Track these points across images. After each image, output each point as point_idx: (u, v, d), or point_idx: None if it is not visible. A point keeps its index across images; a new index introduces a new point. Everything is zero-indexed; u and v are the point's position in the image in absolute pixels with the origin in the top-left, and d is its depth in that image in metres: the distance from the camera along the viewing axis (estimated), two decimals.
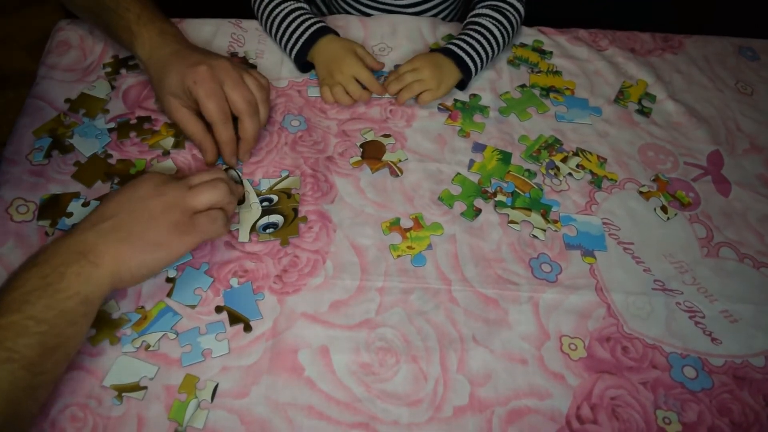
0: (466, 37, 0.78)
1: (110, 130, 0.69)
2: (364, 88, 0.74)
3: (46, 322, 0.46)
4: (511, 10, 0.80)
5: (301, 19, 0.77)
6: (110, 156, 0.67)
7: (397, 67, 0.79)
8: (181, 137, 0.69)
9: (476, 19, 0.79)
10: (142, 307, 0.56)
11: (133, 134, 0.69)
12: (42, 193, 0.63)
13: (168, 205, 0.54)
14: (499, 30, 0.78)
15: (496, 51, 0.79)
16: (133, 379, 0.52)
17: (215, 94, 0.61)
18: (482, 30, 0.78)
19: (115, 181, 0.65)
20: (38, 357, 0.45)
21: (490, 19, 0.79)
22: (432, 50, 0.78)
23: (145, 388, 0.52)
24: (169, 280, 0.58)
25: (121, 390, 0.52)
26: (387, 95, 0.76)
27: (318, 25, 0.76)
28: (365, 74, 0.74)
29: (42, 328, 0.45)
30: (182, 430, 0.50)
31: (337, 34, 0.78)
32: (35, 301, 0.46)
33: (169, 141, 0.69)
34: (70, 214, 0.62)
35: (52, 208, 0.62)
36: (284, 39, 0.77)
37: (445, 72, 0.75)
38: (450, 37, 0.84)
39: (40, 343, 0.45)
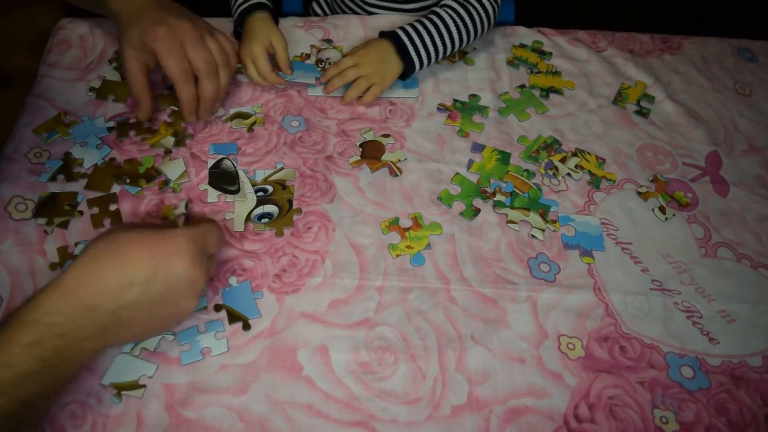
0: (418, 26, 0.75)
1: (110, 129, 0.69)
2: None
3: (33, 405, 0.43)
4: (478, 8, 0.77)
5: None
6: (113, 159, 0.66)
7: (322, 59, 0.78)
8: (181, 135, 0.69)
9: (437, 10, 0.77)
10: None
11: (132, 133, 0.69)
12: (40, 192, 0.63)
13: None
14: (457, 26, 0.76)
15: (449, 47, 0.76)
16: (132, 378, 0.53)
17: (174, 52, 0.61)
18: (438, 22, 0.76)
19: (126, 181, 0.65)
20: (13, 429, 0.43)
21: (451, 13, 0.76)
22: (381, 33, 0.77)
23: (144, 386, 0.52)
24: None
25: (121, 388, 0.52)
26: (318, 90, 0.75)
27: (258, 1, 0.76)
28: (262, 63, 0.72)
29: (27, 410, 0.43)
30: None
31: (275, 18, 0.76)
32: (26, 385, 0.42)
33: (169, 140, 0.69)
34: (69, 211, 0.62)
35: (50, 206, 0.62)
36: (232, 9, 0.78)
37: (387, 63, 0.74)
38: None
39: (20, 423, 0.43)
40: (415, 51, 0.74)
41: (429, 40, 0.75)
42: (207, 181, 0.66)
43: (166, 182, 0.65)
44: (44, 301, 0.45)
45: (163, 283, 0.47)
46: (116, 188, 0.64)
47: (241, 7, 0.76)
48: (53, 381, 0.45)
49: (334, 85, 0.74)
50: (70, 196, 0.63)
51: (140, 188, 0.64)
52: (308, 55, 0.80)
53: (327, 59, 0.80)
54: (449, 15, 0.76)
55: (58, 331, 0.44)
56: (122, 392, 0.52)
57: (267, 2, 0.77)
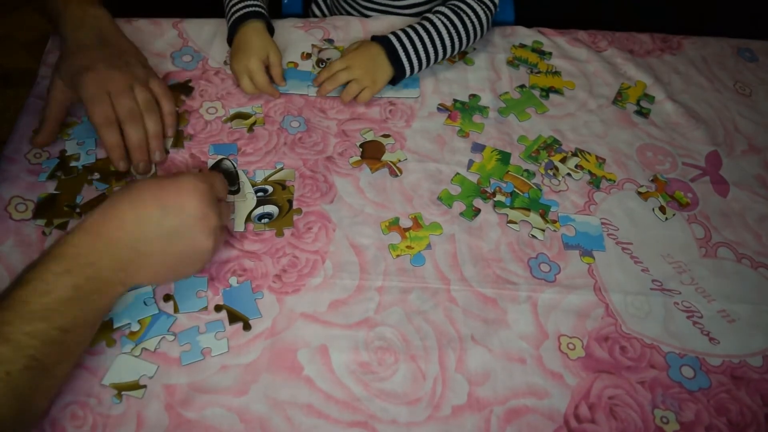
0: (410, 32, 0.75)
1: None
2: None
3: (71, 331, 0.47)
4: (471, 15, 0.77)
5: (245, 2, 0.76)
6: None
7: (321, 61, 0.78)
8: (179, 137, 0.69)
9: (430, 16, 0.77)
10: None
11: None
12: (40, 192, 0.63)
13: (217, 236, 0.55)
14: (449, 32, 0.76)
15: (440, 54, 0.77)
16: (133, 378, 0.53)
17: (98, 99, 0.62)
18: (430, 28, 0.76)
19: (97, 177, 0.65)
20: (56, 361, 0.47)
21: (443, 20, 0.76)
22: (373, 37, 0.77)
23: (144, 386, 0.52)
24: (167, 297, 0.57)
25: (121, 389, 0.52)
26: (312, 93, 0.76)
27: (254, 9, 0.75)
28: (260, 77, 0.73)
29: (66, 337, 0.47)
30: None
31: (270, 29, 0.76)
32: (65, 311, 0.46)
33: (167, 140, 0.69)
34: (68, 212, 0.62)
35: (49, 207, 0.62)
36: (226, 11, 0.78)
37: (378, 67, 0.74)
38: None
39: (61, 351, 0.47)
40: (406, 56, 0.74)
41: (420, 46, 0.75)
42: None
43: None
44: (70, 239, 0.49)
45: (175, 218, 0.52)
46: (87, 189, 0.64)
47: (236, 15, 0.75)
48: (87, 309, 0.49)
49: (325, 89, 0.74)
50: (69, 197, 0.63)
51: (108, 185, 0.64)
52: (309, 55, 0.80)
53: (328, 59, 0.80)
54: (441, 21, 0.76)
55: (86, 260, 0.48)
56: (122, 393, 0.52)
57: (263, 11, 0.76)
